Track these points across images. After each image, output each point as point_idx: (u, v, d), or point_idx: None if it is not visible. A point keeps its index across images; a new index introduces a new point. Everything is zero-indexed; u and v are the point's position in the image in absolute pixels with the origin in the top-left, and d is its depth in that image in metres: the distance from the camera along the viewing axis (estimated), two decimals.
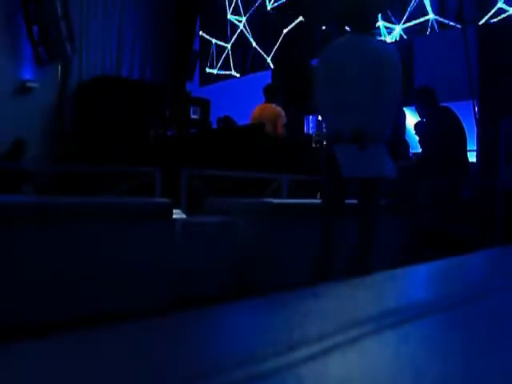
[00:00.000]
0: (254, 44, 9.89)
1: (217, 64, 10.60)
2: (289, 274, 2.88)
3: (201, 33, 11.04)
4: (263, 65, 9.68)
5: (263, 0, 9.62)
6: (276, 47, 9.40)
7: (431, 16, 7.16)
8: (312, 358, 0.39)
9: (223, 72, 10.42)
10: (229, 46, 10.33)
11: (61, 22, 8.70)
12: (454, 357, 0.43)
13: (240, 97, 8.34)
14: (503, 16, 6.27)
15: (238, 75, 9.99)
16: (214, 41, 10.67)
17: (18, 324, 2.04)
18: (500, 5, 6.35)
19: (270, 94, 5.75)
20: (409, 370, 0.39)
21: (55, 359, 0.39)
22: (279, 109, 5.66)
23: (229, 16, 10.26)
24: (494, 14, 6.39)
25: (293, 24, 9.08)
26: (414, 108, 4.93)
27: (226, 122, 6.52)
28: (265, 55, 9.70)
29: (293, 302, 0.59)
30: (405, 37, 7.60)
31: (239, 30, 10.05)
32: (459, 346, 0.47)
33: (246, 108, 6.61)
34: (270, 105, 5.68)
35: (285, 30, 9.25)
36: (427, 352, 0.43)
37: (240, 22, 10.09)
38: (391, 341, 0.46)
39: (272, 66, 9.41)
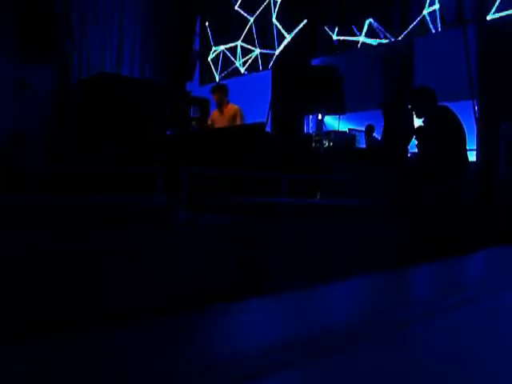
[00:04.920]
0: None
1: (218, 64, 10.60)
2: (290, 273, 2.88)
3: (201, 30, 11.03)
4: (265, 64, 9.69)
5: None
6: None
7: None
8: (315, 355, 0.39)
9: (224, 73, 10.42)
10: (226, 46, 10.33)
11: (60, 19, 8.70)
12: (455, 357, 0.43)
13: (239, 96, 8.34)
14: (503, 14, 6.26)
15: (242, 71, 10.00)
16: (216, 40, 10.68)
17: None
18: None
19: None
20: (410, 370, 0.39)
21: (54, 359, 0.39)
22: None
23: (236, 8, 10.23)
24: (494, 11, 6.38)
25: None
26: (411, 107, 4.93)
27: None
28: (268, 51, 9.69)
29: (297, 299, 0.59)
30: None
31: (246, 29, 10.02)
32: (460, 347, 0.47)
33: (245, 106, 6.61)
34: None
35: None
36: (428, 352, 0.43)
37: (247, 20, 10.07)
38: (392, 340, 0.46)
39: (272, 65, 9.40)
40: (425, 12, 7.18)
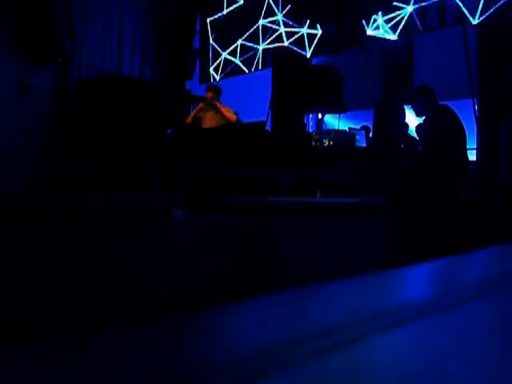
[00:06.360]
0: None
1: (217, 64, 10.61)
2: (290, 273, 2.88)
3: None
4: (266, 62, 9.69)
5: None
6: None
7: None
8: (315, 354, 0.39)
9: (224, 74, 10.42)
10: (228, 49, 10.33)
11: (60, 19, 8.70)
12: (454, 356, 0.43)
13: (239, 94, 8.34)
14: (498, 6, 6.25)
15: (246, 70, 10.00)
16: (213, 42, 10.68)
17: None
18: None
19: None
20: (409, 370, 0.39)
21: (54, 359, 0.39)
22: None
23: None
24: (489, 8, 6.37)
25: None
26: (411, 106, 4.93)
27: None
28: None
29: (296, 299, 0.59)
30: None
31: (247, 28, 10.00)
32: (458, 346, 0.47)
33: (244, 106, 6.62)
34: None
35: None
36: (427, 351, 0.43)
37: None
38: (393, 339, 0.46)
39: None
40: (424, 3, 7.17)
